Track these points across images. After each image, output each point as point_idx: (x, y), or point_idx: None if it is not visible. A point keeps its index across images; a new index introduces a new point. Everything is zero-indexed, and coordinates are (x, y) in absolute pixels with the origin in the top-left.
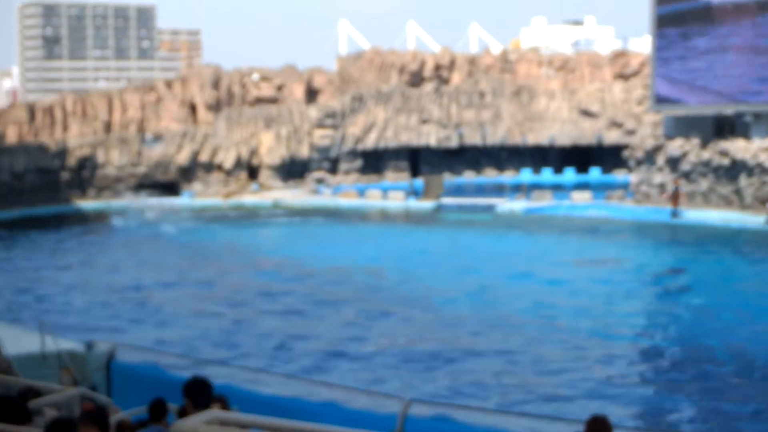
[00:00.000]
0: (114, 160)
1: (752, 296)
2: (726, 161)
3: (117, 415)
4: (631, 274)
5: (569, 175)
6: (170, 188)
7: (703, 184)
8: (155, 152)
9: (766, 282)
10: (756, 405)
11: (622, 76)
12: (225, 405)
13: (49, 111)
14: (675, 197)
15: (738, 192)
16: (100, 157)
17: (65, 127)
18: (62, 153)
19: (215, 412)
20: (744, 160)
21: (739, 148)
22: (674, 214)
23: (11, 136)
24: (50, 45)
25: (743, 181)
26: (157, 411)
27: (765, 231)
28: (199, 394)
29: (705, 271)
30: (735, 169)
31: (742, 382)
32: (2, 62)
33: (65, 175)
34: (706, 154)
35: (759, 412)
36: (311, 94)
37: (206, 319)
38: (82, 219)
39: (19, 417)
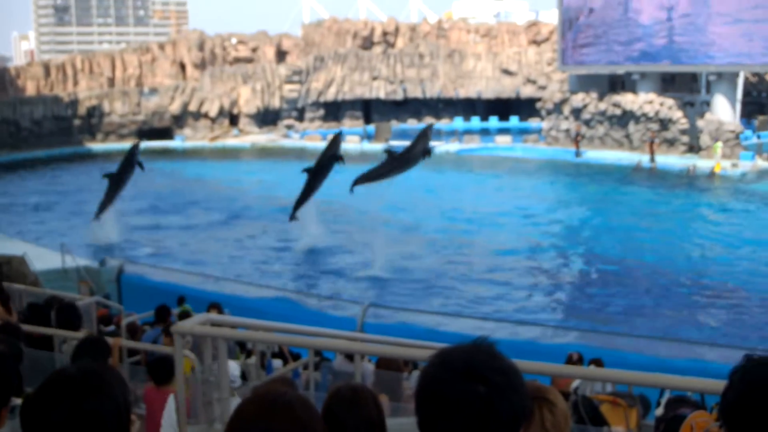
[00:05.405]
0: (117, 109)
1: (631, 215)
2: (618, 111)
3: (128, 318)
4: (543, 199)
5: (493, 122)
6: (165, 133)
7: (600, 130)
8: (152, 103)
9: (645, 205)
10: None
11: (535, 42)
12: (219, 310)
13: (62, 68)
14: (577, 140)
15: (628, 136)
16: (106, 107)
17: (75, 82)
18: (74, 103)
19: (209, 315)
20: (632, 110)
21: (628, 101)
22: (577, 154)
23: (30, 90)
24: (60, 13)
25: (632, 127)
26: (162, 315)
27: (647, 168)
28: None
29: (601, 198)
30: (625, 118)
31: (617, 277)
32: (20, 27)
33: (77, 122)
34: (603, 106)
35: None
36: (281, 55)
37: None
38: (94, 158)
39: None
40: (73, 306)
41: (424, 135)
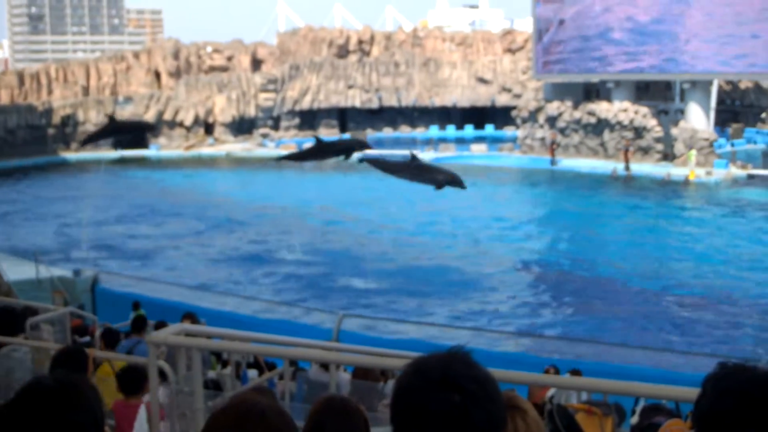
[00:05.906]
0: (92, 118)
1: (606, 223)
2: (593, 120)
3: (102, 329)
4: (517, 208)
5: (469, 131)
6: (140, 142)
7: (575, 138)
8: (126, 112)
9: (620, 213)
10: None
11: (510, 51)
12: (194, 320)
13: (36, 77)
14: (552, 148)
15: (603, 144)
16: (80, 115)
17: (50, 91)
18: (48, 112)
19: (183, 325)
20: (607, 118)
21: (603, 109)
22: (553, 162)
23: (4, 99)
24: (34, 21)
25: (606, 135)
26: (138, 324)
27: (623, 176)
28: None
29: (576, 206)
30: (600, 126)
31: (592, 285)
32: None
33: (51, 131)
34: (578, 114)
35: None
36: (256, 64)
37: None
38: (69, 167)
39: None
40: (9, 311)
41: (453, 181)
